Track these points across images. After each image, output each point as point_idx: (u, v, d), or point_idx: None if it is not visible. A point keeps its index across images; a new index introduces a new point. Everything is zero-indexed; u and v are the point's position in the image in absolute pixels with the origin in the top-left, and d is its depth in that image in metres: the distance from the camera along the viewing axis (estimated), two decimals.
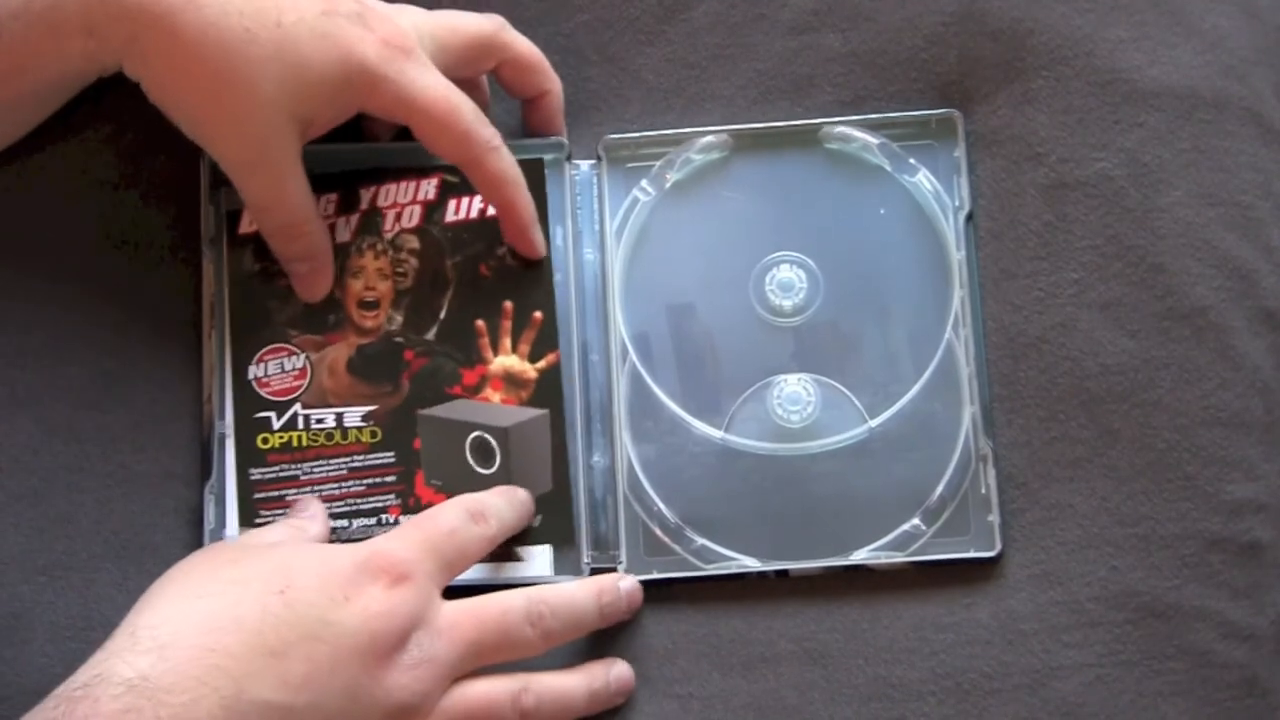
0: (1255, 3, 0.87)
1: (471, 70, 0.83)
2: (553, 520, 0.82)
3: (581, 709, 0.79)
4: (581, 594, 0.79)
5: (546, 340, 0.84)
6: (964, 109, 0.86)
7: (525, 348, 0.84)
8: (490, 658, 0.75)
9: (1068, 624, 0.80)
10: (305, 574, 0.71)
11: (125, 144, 0.84)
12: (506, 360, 0.84)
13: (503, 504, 0.79)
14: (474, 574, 0.80)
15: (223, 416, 0.82)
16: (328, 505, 0.82)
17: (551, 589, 0.78)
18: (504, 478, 0.82)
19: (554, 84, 0.85)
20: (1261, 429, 0.82)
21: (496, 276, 0.84)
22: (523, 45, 0.84)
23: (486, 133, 0.79)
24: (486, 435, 0.82)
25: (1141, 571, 0.80)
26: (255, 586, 0.70)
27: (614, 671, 0.80)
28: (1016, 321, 0.83)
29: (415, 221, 0.84)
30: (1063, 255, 0.83)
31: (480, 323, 0.84)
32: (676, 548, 0.82)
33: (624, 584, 0.81)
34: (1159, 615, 0.80)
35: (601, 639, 0.81)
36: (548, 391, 0.83)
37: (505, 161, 0.80)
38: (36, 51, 0.75)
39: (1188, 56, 0.85)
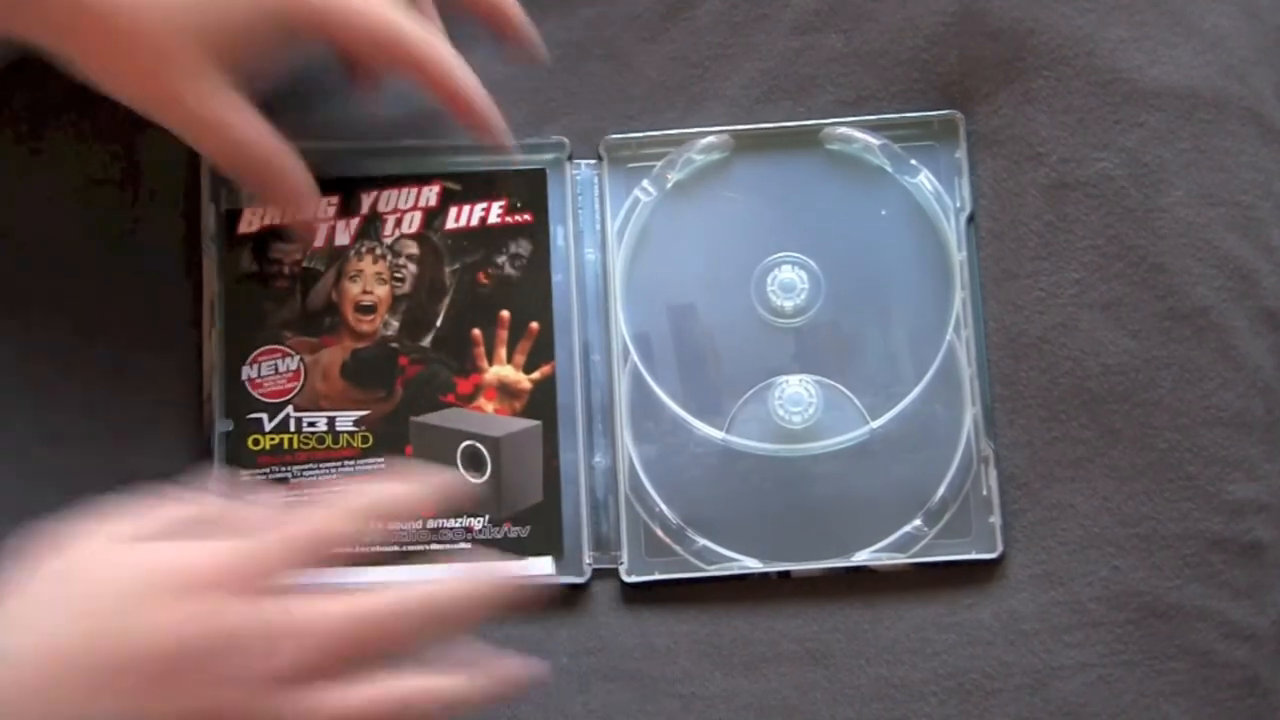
0: (1255, 3, 0.87)
1: None
2: (542, 532, 0.83)
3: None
4: (449, 588, 0.70)
5: (542, 351, 0.84)
6: (965, 109, 0.86)
7: (520, 358, 0.84)
8: (352, 661, 0.68)
9: (1069, 624, 0.81)
10: (135, 583, 0.66)
11: (126, 143, 0.85)
12: (501, 370, 0.84)
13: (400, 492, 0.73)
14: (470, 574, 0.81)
15: (224, 415, 0.83)
16: None
17: (418, 585, 0.69)
18: (494, 487, 0.83)
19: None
20: (1263, 429, 0.82)
21: (494, 285, 0.85)
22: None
23: (411, 28, 0.78)
24: (478, 445, 0.82)
25: (1143, 571, 0.81)
26: (89, 602, 0.66)
27: (501, 666, 0.71)
28: (1018, 321, 0.84)
29: (415, 228, 0.85)
30: (1064, 255, 0.84)
31: (476, 331, 0.84)
32: (678, 549, 0.83)
33: (493, 575, 0.76)
34: (1160, 615, 0.80)
35: (601, 639, 0.82)
36: (542, 402, 0.84)
37: (436, 50, 0.78)
38: None
39: (1188, 56, 0.85)
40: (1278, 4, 0.88)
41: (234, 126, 0.77)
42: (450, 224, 0.85)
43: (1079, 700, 0.80)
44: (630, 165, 0.86)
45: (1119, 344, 0.83)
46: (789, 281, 0.85)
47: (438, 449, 0.83)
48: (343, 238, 0.84)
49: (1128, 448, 0.82)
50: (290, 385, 0.83)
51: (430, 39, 0.78)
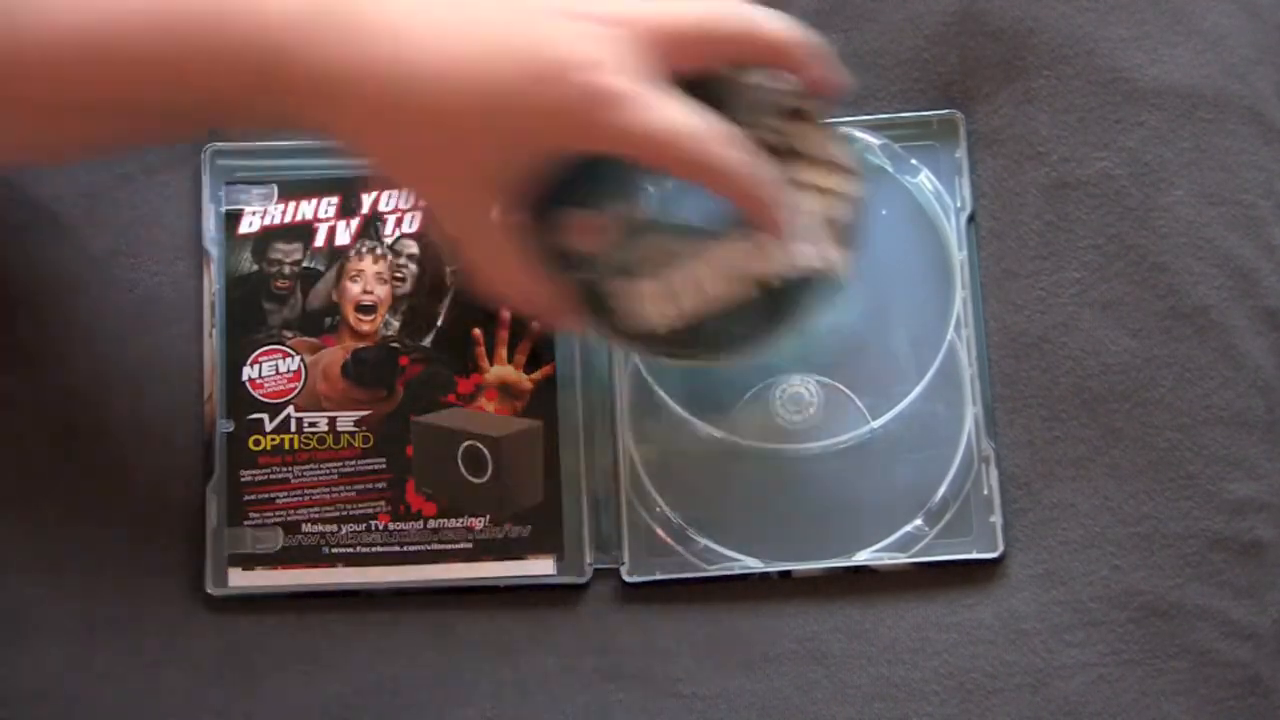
0: (1256, 2, 0.88)
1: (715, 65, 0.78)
2: (543, 532, 0.84)
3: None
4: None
5: (543, 351, 0.85)
6: (965, 108, 0.87)
7: (521, 358, 0.85)
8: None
9: (1070, 623, 0.82)
10: None
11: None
12: (502, 370, 0.85)
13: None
14: (470, 574, 0.83)
15: (225, 415, 0.84)
16: (317, 510, 0.83)
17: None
18: (495, 487, 0.84)
19: (807, 49, 0.76)
20: (1263, 428, 0.83)
21: None
22: (769, 38, 0.75)
23: (713, 152, 0.72)
24: (479, 444, 0.83)
25: (1144, 571, 0.82)
26: None
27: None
28: (1018, 321, 0.85)
29: (416, 227, 0.86)
30: (1064, 255, 0.85)
31: (477, 331, 0.85)
32: (679, 548, 0.84)
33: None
34: (1161, 614, 0.81)
35: (602, 639, 0.83)
36: (542, 402, 0.85)
37: (738, 174, 0.73)
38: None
39: (1188, 56, 0.86)
40: (1278, 3, 0.89)
41: (502, 276, 0.77)
42: None
43: (1080, 699, 0.81)
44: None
45: (1119, 343, 0.84)
46: None
47: (438, 449, 0.84)
48: (343, 237, 0.85)
49: (1128, 447, 0.83)
50: (291, 385, 0.84)
51: (738, 166, 0.73)
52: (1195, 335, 0.83)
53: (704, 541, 0.84)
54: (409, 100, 0.70)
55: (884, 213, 0.87)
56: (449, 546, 0.84)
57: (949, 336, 0.85)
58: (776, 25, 0.75)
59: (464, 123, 0.70)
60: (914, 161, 0.87)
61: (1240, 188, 0.85)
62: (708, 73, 0.75)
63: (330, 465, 0.84)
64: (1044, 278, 0.85)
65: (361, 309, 0.85)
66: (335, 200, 0.86)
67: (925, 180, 0.87)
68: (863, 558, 0.84)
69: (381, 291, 0.85)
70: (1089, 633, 0.82)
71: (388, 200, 0.86)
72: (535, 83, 0.70)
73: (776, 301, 0.77)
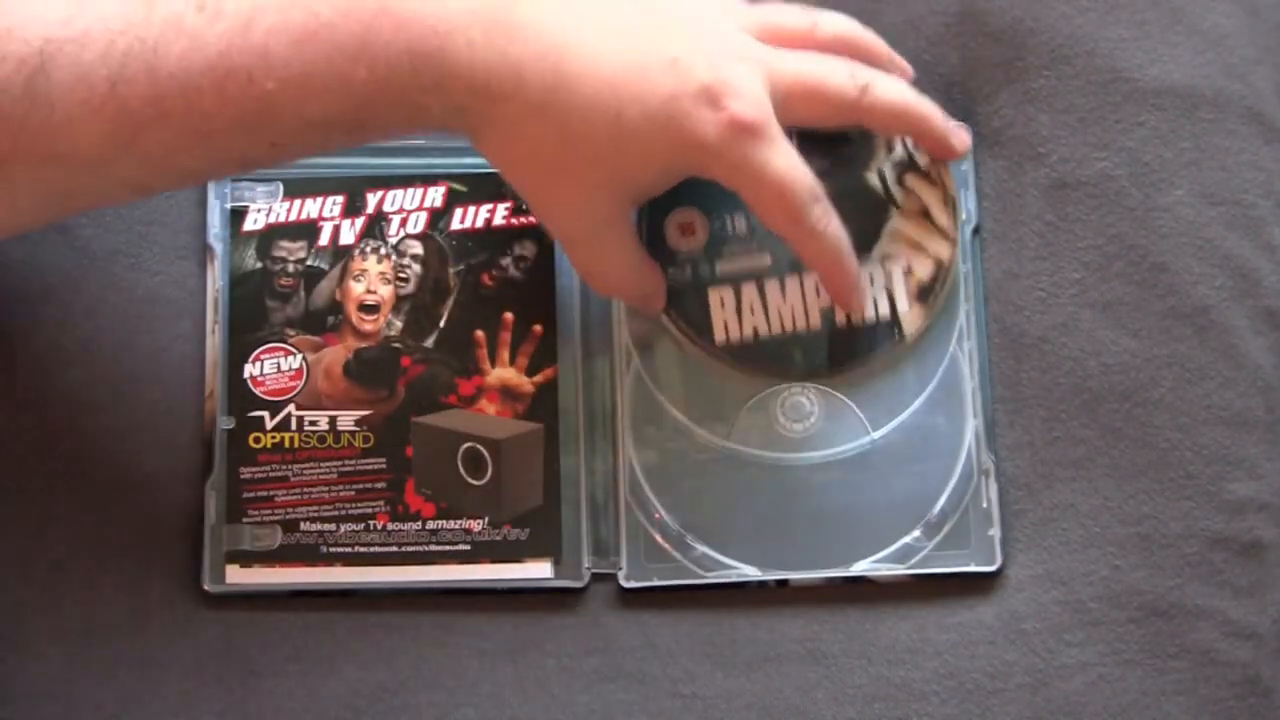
0: (1256, 2, 0.89)
1: (829, 125, 0.83)
2: (542, 535, 0.84)
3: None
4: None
5: (545, 354, 0.85)
6: (966, 109, 0.88)
7: (523, 360, 0.85)
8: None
9: (1070, 623, 0.82)
10: None
11: None
12: (504, 372, 0.85)
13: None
14: (468, 575, 0.83)
15: (226, 412, 0.84)
16: (316, 508, 0.84)
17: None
18: (494, 489, 0.84)
19: (925, 120, 0.83)
20: (1263, 428, 0.83)
21: (499, 287, 0.86)
22: (884, 107, 0.81)
23: (814, 216, 0.78)
24: (479, 446, 0.84)
25: (1144, 571, 0.82)
26: None
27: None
28: (1019, 322, 0.85)
29: (420, 228, 0.86)
30: (1064, 255, 0.85)
31: (480, 333, 0.85)
32: (677, 554, 0.84)
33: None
34: (1161, 614, 0.81)
35: (603, 639, 0.83)
36: (543, 406, 0.85)
37: (827, 243, 0.79)
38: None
39: (1188, 56, 0.87)
40: (1278, 3, 0.89)
41: (616, 275, 0.82)
42: (456, 225, 0.86)
43: (1080, 699, 0.81)
44: None
45: (1120, 343, 0.84)
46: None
47: (439, 450, 0.84)
48: (348, 237, 0.86)
49: (1128, 447, 0.83)
50: (292, 383, 0.85)
51: (832, 242, 0.79)
52: (1195, 335, 0.84)
53: (702, 548, 0.84)
54: (560, 109, 0.73)
55: None
56: (447, 548, 0.84)
57: (951, 349, 0.85)
58: (895, 92, 0.81)
59: (607, 138, 0.74)
60: None
61: (1240, 188, 0.86)
62: None
63: (330, 464, 0.84)
64: (1044, 278, 0.85)
65: (364, 308, 0.85)
66: (340, 199, 0.86)
67: None
68: (860, 568, 0.83)
69: (385, 291, 0.86)
70: (1089, 633, 0.82)
71: (392, 200, 0.86)
72: (678, 104, 0.74)
73: (839, 337, 0.84)
